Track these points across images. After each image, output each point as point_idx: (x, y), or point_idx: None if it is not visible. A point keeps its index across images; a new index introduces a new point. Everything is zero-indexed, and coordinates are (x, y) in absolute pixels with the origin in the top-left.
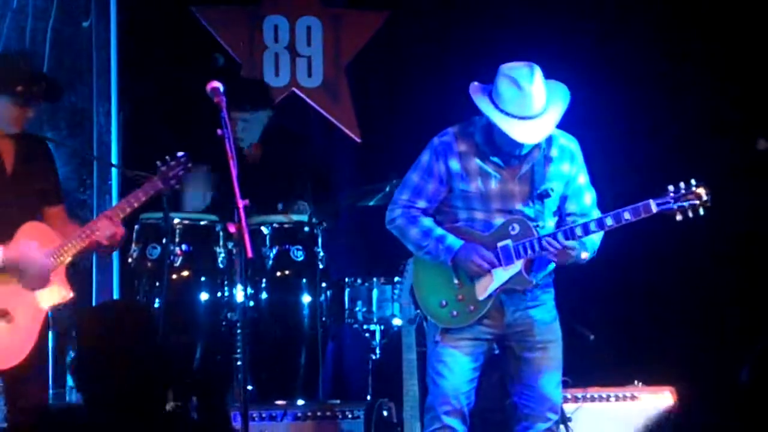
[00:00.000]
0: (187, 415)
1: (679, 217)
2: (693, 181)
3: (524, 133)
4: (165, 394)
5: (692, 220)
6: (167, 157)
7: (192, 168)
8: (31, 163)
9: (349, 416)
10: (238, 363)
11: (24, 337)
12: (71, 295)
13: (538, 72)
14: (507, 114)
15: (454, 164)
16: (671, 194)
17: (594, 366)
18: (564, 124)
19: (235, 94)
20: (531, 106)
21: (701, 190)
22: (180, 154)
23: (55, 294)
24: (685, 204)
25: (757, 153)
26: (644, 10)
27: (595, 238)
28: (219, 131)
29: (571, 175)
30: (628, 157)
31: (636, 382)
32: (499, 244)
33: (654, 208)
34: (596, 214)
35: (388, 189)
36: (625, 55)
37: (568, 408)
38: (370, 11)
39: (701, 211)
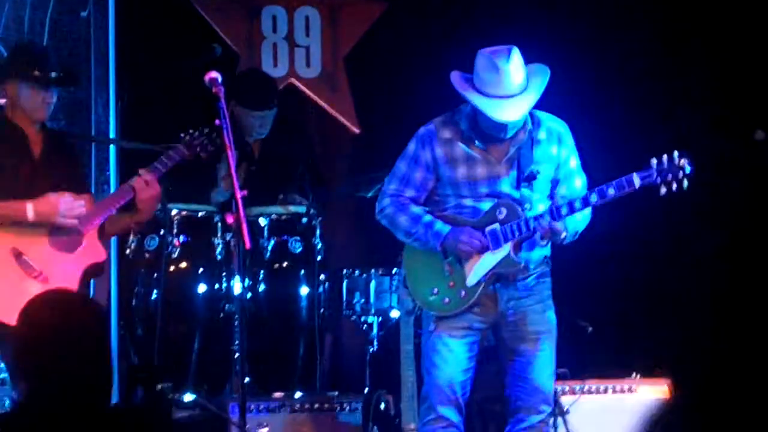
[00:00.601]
0: (130, 410)
1: (663, 190)
2: (675, 153)
3: (503, 111)
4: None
5: (676, 193)
6: (190, 129)
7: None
8: (59, 153)
9: (347, 408)
10: (236, 355)
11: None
12: (104, 257)
13: (515, 53)
14: (486, 95)
15: (440, 151)
16: (654, 167)
17: (592, 358)
18: (557, 114)
19: (252, 92)
20: (509, 85)
21: (683, 162)
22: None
23: (89, 255)
24: (669, 177)
25: (755, 143)
26: (642, 1)
27: (578, 218)
28: (217, 121)
29: (560, 158)
30: (620, 147)
31: (634, 374)
32: (487, 229)
33: (637, 182)
34: None
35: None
36: (623, 48)
37: (566, 400)
38: (369, 2)
39: (685, 184)
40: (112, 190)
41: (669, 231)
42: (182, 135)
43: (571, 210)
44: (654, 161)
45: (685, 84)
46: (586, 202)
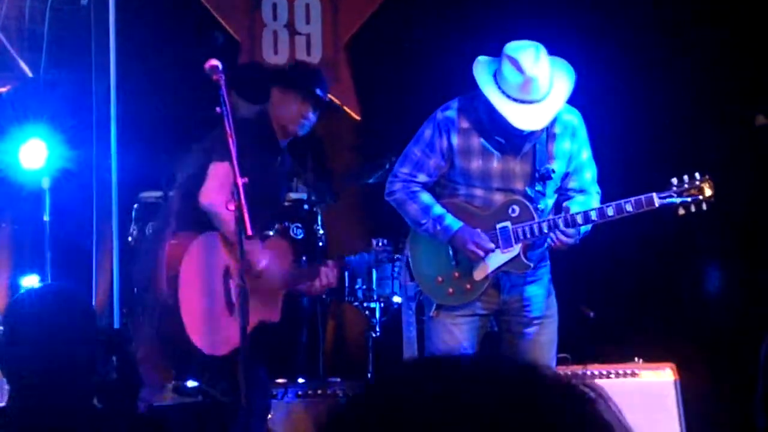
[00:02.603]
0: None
1: (681, 212)
2: (697, 175)
3: (526, 119)
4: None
5: (695, 214)
6: None
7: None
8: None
9: (350, 394)
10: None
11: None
12: (277, 319)
13: (543, 53)
14: (509, 97)
15: (456, 140)
16: (674, 188)
17: (594, 343)
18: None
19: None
20: (534, 91)
21: (705, 185)
22: None
23: (270, 311)
24: (688, 199)
25: (756, 129)
26: None
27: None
28: (218, 109)
29: (572, 152)
30: (628, 139)
31: (636, 359)
32: (498, 226)
33: (657, 202)
34: (594, 190)
35: (387, 166)
36: (626, 38)
37: None
38: None
39: (704, 207)
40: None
41: (671, 217)
42: None
43: (586, 221)
44: (674, 181)
45: (687, 70)
46: (602, 215)
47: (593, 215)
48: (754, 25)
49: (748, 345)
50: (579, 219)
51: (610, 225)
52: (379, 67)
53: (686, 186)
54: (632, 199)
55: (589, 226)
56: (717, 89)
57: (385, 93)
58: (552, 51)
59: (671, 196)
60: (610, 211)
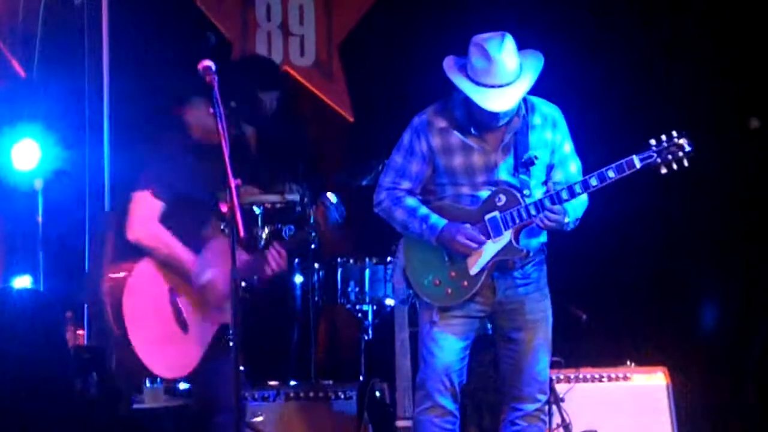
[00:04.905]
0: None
1: (663, 171)
2: (674, 133)
3: (494, 101)
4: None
5: (678, 172)
6: None
7: None
8: None
9: (342, 396)
10: (230, 343)
11: (194, 349)
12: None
13: (509, 41)
14: (478, 84)
15: (435, 140)
16: (653, 148)
17: (587, 346)
18: (550, 95)
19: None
20: (501, 74)
21: (683, 141)
22: None
23: (225, 314)
24: (669, 157)
25: (749, 132)
26: None
27: (579, 202)
28: (210, 110)
29: (555, 143)
30: (615, 134)
31: (629, 362)
32: (487, 217)
33: (638, 163)
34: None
35: (380, 168)
36: (618, 35)
37: (561, 388)
38: None
39: (685, 163)
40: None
41: (663, 220)
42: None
43: (572, 194)
44: (653, 142)
45: (683, 70)
46: (586, 185)
47: (578, 188)
48: (747, 27)
49: (740, 349)
50: (564, 194)
51: (604, 227)
52: (372, 68)
53: (665, 144)
54: (613, 165)
55: (579, 212)
56: (710, 92)
57: (379, 94)
58: (546, 51)
59: (651, 156)
60: (593, 181)
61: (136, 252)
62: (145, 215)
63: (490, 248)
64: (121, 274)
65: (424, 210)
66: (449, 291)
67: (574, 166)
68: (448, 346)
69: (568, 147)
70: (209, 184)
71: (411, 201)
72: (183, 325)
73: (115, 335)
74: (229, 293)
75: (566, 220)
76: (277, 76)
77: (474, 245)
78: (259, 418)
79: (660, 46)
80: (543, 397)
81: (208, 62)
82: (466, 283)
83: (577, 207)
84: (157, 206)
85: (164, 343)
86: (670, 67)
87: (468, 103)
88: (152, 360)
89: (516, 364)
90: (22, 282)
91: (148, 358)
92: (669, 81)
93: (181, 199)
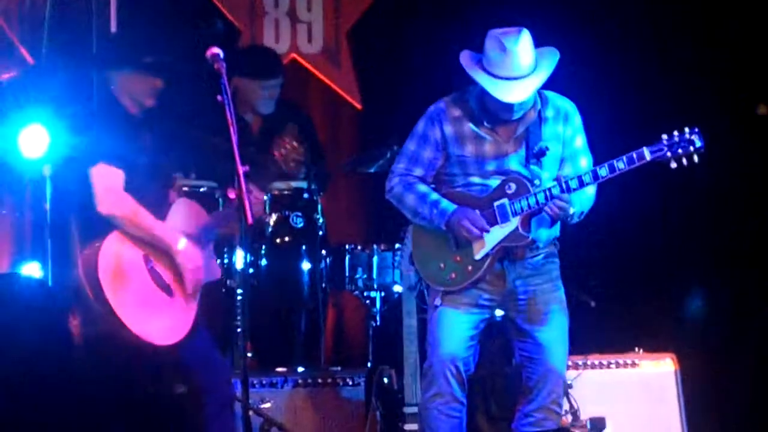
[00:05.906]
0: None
1: (673, 165)
2: (686, 129)
3: (509, 93)
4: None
5: (687, 168)
6: None
7: None
8: None
9: (350, 383)
10: (238, 330)
11: (184, 310)
12: (219, 274)
13: (525, 34)
14: (494, 76)
15: (449, 129)
16: (665, 142)
17: (595, 333)
18: (561, 88)
19: (259, 62)
20: (516, 66)
21: (694, 137)
22: None
23: (209, 273)
24: (679, 151)
25: (757, 118)
26: None
27: (588, 192)
28: (219, 97)
29: (566, 136)
30: (627, 128)
31: (637, 348)
32: (496, 203)
33: (648, 156)
34: None
35: (388, 155)
36: (629, 29)
37: (569, 375)
38: None
39: (695, 159)
40: None
41: (672, 207)
42: None
43: (581, 184)
44: (665, 136)
45: (692, 61)
46: (595, 176)
47: (586, 178)
48: (757, 13)
49: (748, 335)
50: (573, 183)
51: (612, 215)
52: (381, 56)
53: (676, 139)
54: (624, 156)
55: (587, 205)
56: (719, 78)
57: (387, 82)
58: (554, 43)
59: (662, 150)
60: (603, 171)
61: (101, 229)
62: (110, 185)
63: (497, 234)
64: (91, 252)
65: (434, 195)
66: (453, 275)
67: (585, 161)
68: (455, 334)
69: (579, 141)
70: (161, 152)
71: (422, 187)
72: (167, 289)
73: (102, 314)
74: (204, 256)
75: (571, 211)
76: (278, 64)
77: (476, 231)
78: (267, 405)
79: (673, 43)
80: (558, 390)
81: (216, 49)
82: (470, 267)
83: (583, 201)
84: (119, 175)
85: (153, 310)
86: (682, 64)
87: (483, 94)
88: (145, 330)
89: (532, 356)
90: (30, 269)
91: (141, 328)
92: (682, 79)
93: (134, 169)
